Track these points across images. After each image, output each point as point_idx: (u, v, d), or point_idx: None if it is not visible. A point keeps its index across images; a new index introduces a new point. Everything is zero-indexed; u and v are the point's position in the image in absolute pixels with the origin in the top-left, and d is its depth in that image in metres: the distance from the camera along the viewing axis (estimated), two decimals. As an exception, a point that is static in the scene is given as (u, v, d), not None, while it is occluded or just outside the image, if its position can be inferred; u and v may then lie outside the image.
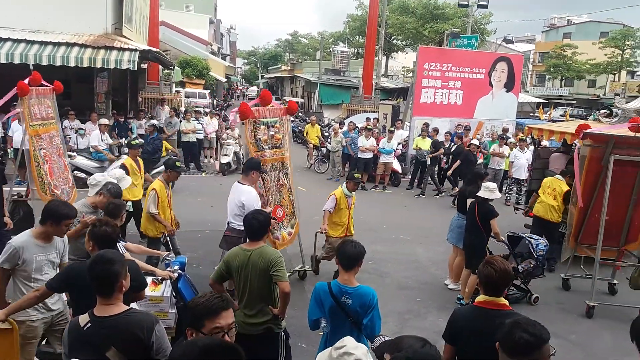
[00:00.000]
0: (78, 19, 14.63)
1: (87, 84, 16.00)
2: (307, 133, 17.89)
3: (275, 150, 6.98)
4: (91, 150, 12.12)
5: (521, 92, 27.80)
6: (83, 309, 2.89)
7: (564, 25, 63.89)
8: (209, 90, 34.00)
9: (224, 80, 44.41)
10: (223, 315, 2.51)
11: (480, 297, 3.23)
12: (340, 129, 16.22)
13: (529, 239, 7.20)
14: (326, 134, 18.76)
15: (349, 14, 52.77)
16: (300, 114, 27.69)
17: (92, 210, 5.18)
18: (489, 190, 6.64)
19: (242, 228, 4.42)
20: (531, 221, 8.91)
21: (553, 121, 24.41)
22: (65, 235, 4.20)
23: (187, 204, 10.41)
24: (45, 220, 3.96)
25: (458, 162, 13.04)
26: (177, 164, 6.77)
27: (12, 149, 11.90)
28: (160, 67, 21.88)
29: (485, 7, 26.32)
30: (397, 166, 15.05)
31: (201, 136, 16.01)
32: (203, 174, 15.07)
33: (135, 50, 13.97)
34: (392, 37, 45.69)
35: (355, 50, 53.09)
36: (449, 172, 13.55)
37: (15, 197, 8.06)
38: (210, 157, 16.92)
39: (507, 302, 3.20)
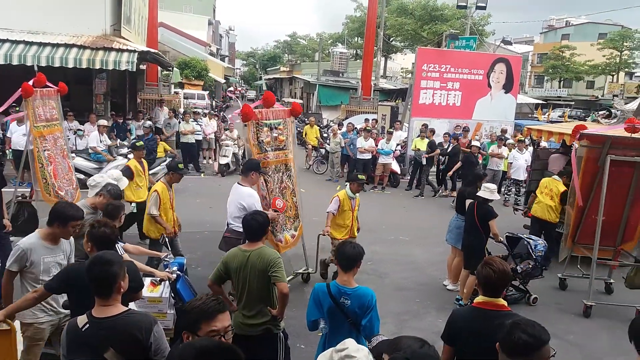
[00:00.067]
0: (77, 20, 14.63)
1: (86, 85, 15.99)
2: (305, 134, 17.89)
3: (279, 152, 6.92)
4: (90, 151, 12.12)
5: (520, 93, 27.83)
6: (81, 310, 2.89)
7: (563, 27, 64.03)
8: (207, 92, 34.02)
9: (223, 81, 44.43)
10: (219, 318, 2.50)
11: (479, 298, 3.23)
12: (339, 130, 16.25)
13: (528, 240, 7.21)
14: (325, 135, 18.76)
15: (347, 15, 52.86)
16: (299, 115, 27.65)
17: (92, 211, 5.17)
18: (489, 190, 6.66)
19: (242, 229, 4.41)
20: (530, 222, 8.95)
21: (551, 122, 24.43)
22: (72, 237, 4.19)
23: (186, 205, 10.39)
24: (52, 221, 3.96)
25: (459, 164, 13.08)
26: (180, 166, 6.72)
27: (10, 150, 11.88)
28: (159, 68, 21.89)
29: (484, 8, 26.32)
30: (395, 167, 15.07)
31: (200, 137, 16.01)
32: (202, 175, 15.07)
33: (134, 51, 13.98)
34: (391, 39, 45.75)
35: (354, 52, 53.14)
36: (449, 173, 13.58)
37: (20, 198, 8.06)
38: (209, 158, 16.92)
39: (505, 303, 3.21)
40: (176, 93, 25.22)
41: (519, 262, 7.09)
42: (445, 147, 14.06)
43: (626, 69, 51.68)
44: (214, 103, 34.01)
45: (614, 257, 7.48)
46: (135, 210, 8.07)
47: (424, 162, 13.98)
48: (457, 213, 7.47)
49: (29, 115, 7.78)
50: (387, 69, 52.41)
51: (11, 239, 7.75)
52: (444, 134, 14.75)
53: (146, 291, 4.62)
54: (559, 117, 33.94)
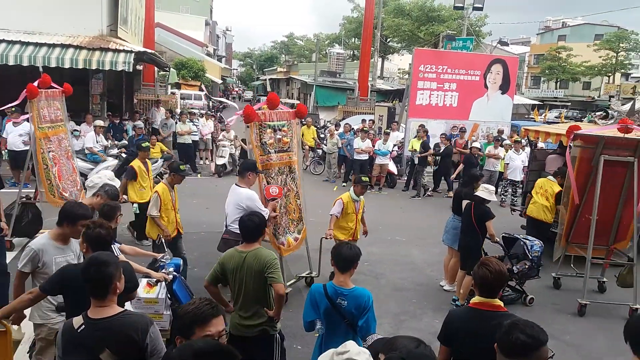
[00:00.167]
0: (73, 21, 14.58)
1: (82, 85, 15.92)
2: (302, 135, 17.86)
3: (283, 154, 6.81)
4: (86, 152, 12.09)
5: (516, 94, 27.86)
6: (77, 311, 2.88)
7: (559, 28, 64.22)
8: (204, 92, 33.97)
9: (220, 82, 44.39)
10: (213, 323, 2.49)
11: (476, 299, 3.23)
12: (336, 130, 16.25)
13: (524, 240, 7.24)
14: (322, 135, 18.76)
15: (344, 16, 52.89)
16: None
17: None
18: (487, 191, 6.67)
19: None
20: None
21: (548, 123, 24.49)
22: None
23: (183, 206, 10.27)
24: (62, 221, 3.98)
25: (461, 166, 13.15)
26: (182, 167, 6.67)
27: (6, 150, 11.85)
28: (156, 68, 21.84)
29: (481, 9, 26.36)
30: (392, 168, 15.08)
31: (197, 138, 15.99)
32: (198, 175, 15.05)
33: (131, 51, 13.94)
34: (388, 39, 45.81)
35: (351, 52, 53.21)
36: (453, 176, 13.71)
37: (24, 199, 8.05)
38: (206, 158, 16.90)
39: (502, 304, 3.21)
40: (173, 94, 25.20)
41: (515, 263, 7.11)
42: (441, 148, 14.11)
43: (622, 70, 51.93)
44: (210, 103, 33.98)
45: (606, 256, 7.56)
46: (137, 212, 8.07)
47: (416, 161, 14.04)
48: (453, 214, 7.48)
49: (34, 117, 7.78)
50: (384, 70, 52.49)
51: (14, 240, 7.81)
52: (441, 134, 14.78)
53: (142, 292, 4.61)
54: (556, 117, 34.02)
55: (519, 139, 13.83)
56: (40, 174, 7.88)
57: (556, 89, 56.18)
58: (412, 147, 14.44)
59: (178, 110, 20.87)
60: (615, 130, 6.86)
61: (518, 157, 12.99)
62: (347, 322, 3.64)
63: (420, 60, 16.52)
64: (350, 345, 2.35)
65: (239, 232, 5.16)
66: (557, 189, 8.27)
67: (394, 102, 28.78)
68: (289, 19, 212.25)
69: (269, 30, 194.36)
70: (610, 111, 10.50)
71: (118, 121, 15.56)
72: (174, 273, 4.72)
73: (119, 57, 13.57)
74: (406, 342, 2.27)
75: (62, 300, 3.65)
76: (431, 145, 14.68)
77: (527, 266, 7.05)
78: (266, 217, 5.98)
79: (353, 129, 16.12)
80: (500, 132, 15.87)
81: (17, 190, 8.14)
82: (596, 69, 49.84)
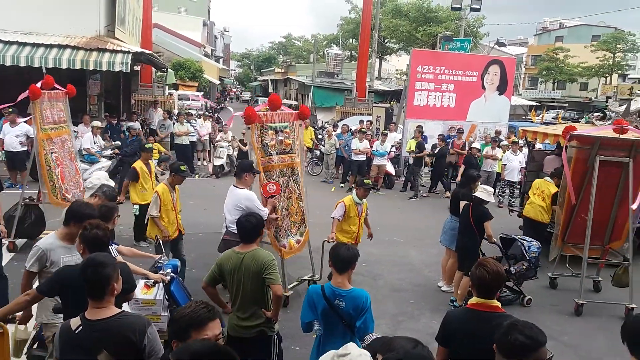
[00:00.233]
0: (70, 21, 14.56)
1: (80, 86, 15.86)
2: (300, 135, 17.89)
3: (285, 156, 6.73)
4: (83, 152, 12.06)
5: (514, 94, 27.91)
6: (75, 312, 2.87)
7: (557, 29, 64.37)
8: (202, 93, 33.95)
9: (218, 82, 44.36)
10: (210, 326, 2.47)
11: (473, 300, 3.23)
12: (334, 131, 16.26)
13: (522, 241, 7.25)
14: (320, 136, 18.77)
15: (342, 17, 52.91)
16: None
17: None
18: (486, 192, 6.69)
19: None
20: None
21: (546, 124, 24.55)
22: None
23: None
24: (69, 221, 3.99)
25: (463, 168, 13.18)
26: (182, 168, 6.63)
27: (3, 151, 11.83)
28: (154, 69, 21.82)
29: (478, 10, 26.41)
30: (390, 168, 15.08)
31: (194, 138, 15.98)
32: (196, 176, 15.03)
33: (128, 52, 13.93)
34: (386, 40, 45.88)
35: (349, 53, 53.24)
36: (458, 178, 13.73)
37: (27, 200, 8.04)
38: (204, 159, 16.89)
39: (499, 305, 3.21)
40: (170, 94, 25.17)
41: (513, 263, 7.12)
42: (447, 149, 14.16)
43: (619, 71, 52.07)
44: (208, 104, 33.96)
45: (602, 255, 7.61)
46: (137, 213, 8.06)
47: (411, 161, 14.04)
48: (451, 214, 7.48)
49: (37, 118, 7.77)
50: (382, 71, 52.58)
51: (18, 241, 7.80)
52: (438, 135, 14.80)
53: (140, 293, 4.60)
54: (553, 118, 34.14)
55: (517, 140, 13.86)
56: (43, 176, 7.87)
57: (553, 90, 56.32)
58: (410, 148, 14.47)
59: (176, 111, 20.84)
60: (611, 131, 6.90)
61: (515, 158, 13.02)
62: (344, 323, 3.64)
63: (417, 61, 16.55)
64: (351, 347, 2.35)
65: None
66: (554, 189, 8.30)
67: (391, 103, 28.81)
68: (286, 20, 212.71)
69: (267, 30, 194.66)
70: (608, 112, 10.54)
71: (115, 122, 15.54)
72: (172, 274, 4.71)
73: (116, 57, 13.55)
74: (403, 342, 2.27)
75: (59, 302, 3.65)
76: (429, 146, 14.74)
77: (524, 267, 7.06)
78: (265, 217, 5.99)
79: (351, 129, 16.13)
80: (498, 133, 15.90)
81: (20, 192, 8.12)
82: (593, 70, 49.97)
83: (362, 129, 15.32)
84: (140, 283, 4.71)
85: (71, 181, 8.48)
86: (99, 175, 6.49)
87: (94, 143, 12.19)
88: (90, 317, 2.75)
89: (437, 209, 12.45)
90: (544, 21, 68.33)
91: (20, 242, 7.90)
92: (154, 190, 7.90)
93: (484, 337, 2.86)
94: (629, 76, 54.89)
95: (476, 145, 14.04)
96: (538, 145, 13.36)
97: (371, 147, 14.50)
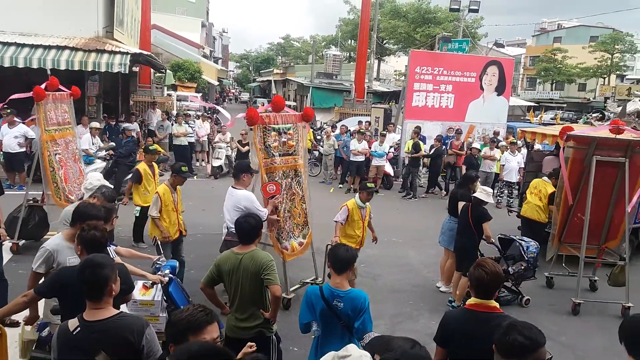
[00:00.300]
0: (69, 22, 14.55)
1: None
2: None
3: (288, 158, 6.67)
4: (82, 153, 12.05)
5: (512, 95, 27.99)
6: (73, 313, 2.87)
7: (555, 30, 64.51)
8: (201, 94, 33.93)
9: (216, 83, 44.35)
10: (208, 330, 2.47)
11: (471, 300, 3.24)
12: (333, 132, 16.26)
13: (520, 242, 7.26)
14: (318, 137, 18.77)
15: (341, 18, 52.98)
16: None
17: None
18: (485, 193, 6.70)
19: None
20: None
21: (544, 124, 24.59)
22: None
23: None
24: (75, 222, 3.99)
25: (465, 168, 13.23)
26: (183, 168, 6.61)
27: (1, 152, 11.81)
28: (152, 70, 21.81)
29: (476, 11, 26.47)
30: (389, 169, 15.09)
31: (193, 139, 15.98)
32: (195, 177, 15.02)
33: (127, 53, 13.92)
34: (384, 41, 45.90)
35: (348, 54, 53.26)
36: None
37: (31, 202, 8.05)
38: (202, 160, 16.88)
39: (497, 305, 3.22)
40: (169, 95, 25.13)
41: (512, 264, 7.13)
42: (443, 149, 14.17)
43: (617, 72, 52.20)
44: (206, 108, 33.94)
45: (598, 255, 7.65)
46: (138, 215, 8.05)
47: (406, 162, 14.08)
48: (449, 215, 7.49)
49: (40, 119, 7.77)
50: (381, 72, 52.60)
51: (21, 242, 7.80)
52: (437, 136, 14.81)
53: (138, 294, 4.59)
54: (551, 119, 34.17)
55: (515, 141, 13.88)
56: (46, 177, 7.87)
57: (552, 90, 56.43)
58: (409, 149, 14.48)
59: (174, 112, 20.82)
60: (607, 131, 6.94)
61: (514, 159, 13.04)
62: (343, 323, 3.64)
63: (416, 62, 16.56)
64: (351, 349, 2.35)
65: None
66: (551, 189, 8.34)
67: (390, 103, 28.85)
68: (285, 21, 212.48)
69: (266, 31, 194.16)
70: (606, 113, 10.57)
71: (114, 123, 15.52)
72: (170, 275, 4.70)
73: (115, 58, 13.55)
74: (401, 343, 2.28)
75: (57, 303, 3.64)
76: (428, 147, 14.76)
77: (523, 267, 7.07)
78: (265, 217, 5.99)
79: (349, 130, 16.14)
80: (496, 133, 15.93)
81: (18, 193, 8.13)
82: (591, 70, 50.08)
83: (361, 130, 15.33)
84: (139, 284, 4.70)
85: (75, 182, 8.49)
86: (93, 176, 6.49)
87: (92, 144, 12.19)
88: (88, 318, 2.75)
89: (435, 209, 12.46)
90: (542, 22, 68.41)
91: (24, 243, 7.90)
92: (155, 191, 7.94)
93: (482, 337, 2.87)
94: (627, 77, 54.98)
95: (476, 145, 14.07)
96: (537, 146, 13.38)
97: (370, 147, 14.50)
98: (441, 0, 38.81)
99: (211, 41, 61.85)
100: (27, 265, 7.02)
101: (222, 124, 17.49)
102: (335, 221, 6.73)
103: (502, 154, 13.48)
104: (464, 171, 13.27)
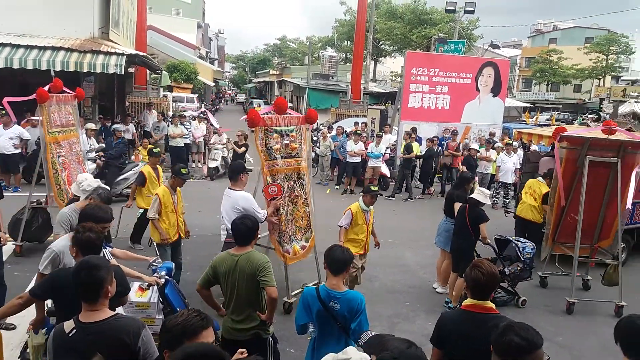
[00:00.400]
0: (64, 23, 14.52)
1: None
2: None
3: (290, 160, 6.60)
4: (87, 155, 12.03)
5: (508, 96, 28.06)
6: (68, 315, 2.86)
7: (550, 31, 64.78)
8: (196, 95, 33.89)
9: (212, 84, 44.31)
10: (203, 335, 2.45)
11: (468, 301, 3.24)
12: (329, 133, 16.26)
13: (516, 242, 7.29)
14: (315, 138, 18.76)
15: (337, 19, 53.03)
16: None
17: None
18: (482, 194, 6.71)
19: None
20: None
21: (540, 125, 24.67)
22: None
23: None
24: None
25: (464, 168, 13.26)
26: (183, 170, 6.56)
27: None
28: (148, 71, 21.76)
29: (472, 12, 26.54)
30: (385, 170, 15.10)
31: (189, 141, 15.95)
32: (191, 178, 14.99)
33: (123, 54, 13.90)
34: (380, 42, 45.99)
35: (344, 55, 53.36)
36: None
37: (34, 204, 8.01)
38: (198, 161, 16.85)
39: (494, 306, 3.22)
40: (165, 96, 25.11)
41: (508, 265, 7.14)
42: (435, 150, 14.19)
43: (612, 73, 52.46)
44: (203, 106, 33.93)
45: (591, 254, 7.71)
46: (139, 216, 8.02)
47: (398, 162, 14.10)
48: (445, 216, 7.49)
49: (44, 121, 7.74)
50: (377, 73, 52.67)
51: (24, 244, 7.77)
52: (433, 137, 14.83)
53: (134, 296, 4.58)
54: (547, 120, 34.28)
55: (511, 142, 13.92)
56: (49, 179, 7.84)
57: (547, 91, 56.65)
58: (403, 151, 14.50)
59: (170, 113, 20.79)
60: (600, 131, 7.00)
61: (510, 160, 13.08)
62: (339, 325, 3.63)
63: (412, 63, 16.58)
64: (350, 351, 2.35)
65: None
66: (545, 189, 8.41)
67: (386, 104, 28.85)
68: (281, 22, 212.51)
69: (262, 32, 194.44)
70: (602, 114, 10.62)
71: (110, 124, 15.49)
72: (166, 277, 4.69)
73: (110, 59, 13.53)
74: (397, 343, 2.28)
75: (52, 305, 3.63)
76: (424, 147, 14.78)
77: (519, 268, 7.09)
78: (264, 218, 5.97)
79: (346, 131, 16.14)
80: (492, 134, 15.97)
81: (12, 194, 8.09)
82: (587, 71, 50.31)
83: (357, 131, 15.34)
84: (135, 286, 4.69)
85: (78, 184, 8.46)
86: (84, 177, 6.47)
87: (88, 145, 12.15)
88: (84, 320, 2.73)
89: (431, 210, 12.47)
90: (538, 23, 68.75)
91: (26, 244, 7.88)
92: None
93: (478, 338, 2.87)
94: (622, 78, 55.28)
95: (474, 145, 14.09)
96: (533, 147, 13.42)
97: (366, 149, 14.51)
98: (437, 1, 38.97)
99: (207, 42, 61.84)
100: (24, 267, 7.05)
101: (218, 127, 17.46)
102: (340, 226, 6.57)
103: (498, 155, 13.52)
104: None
